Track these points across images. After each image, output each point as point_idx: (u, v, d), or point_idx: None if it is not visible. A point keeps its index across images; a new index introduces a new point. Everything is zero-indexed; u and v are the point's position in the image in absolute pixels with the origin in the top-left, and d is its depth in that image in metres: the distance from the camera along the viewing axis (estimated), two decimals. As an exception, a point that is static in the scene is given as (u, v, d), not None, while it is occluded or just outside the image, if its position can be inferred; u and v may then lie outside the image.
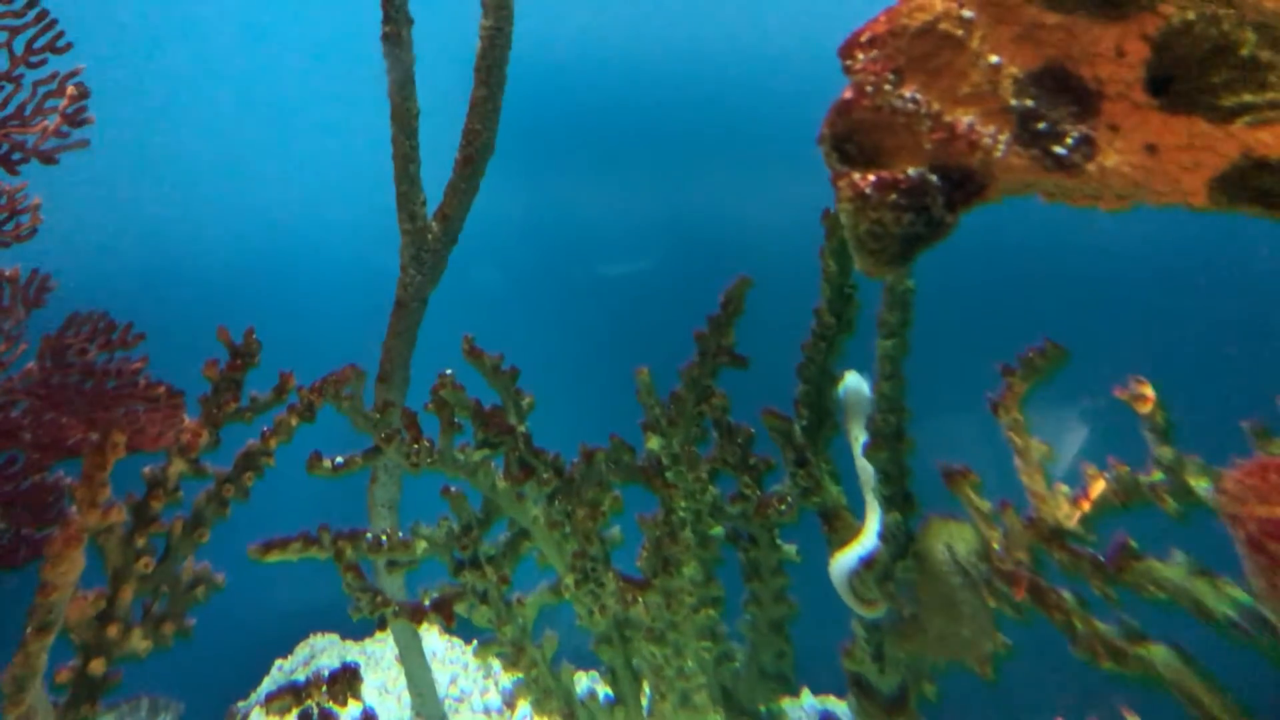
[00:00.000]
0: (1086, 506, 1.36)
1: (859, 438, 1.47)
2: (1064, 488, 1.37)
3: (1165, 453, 1.29)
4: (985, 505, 1.40)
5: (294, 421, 1.76)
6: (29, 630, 1.30)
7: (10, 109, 1.42)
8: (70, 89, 1.43)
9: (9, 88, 1.42)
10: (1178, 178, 0.76)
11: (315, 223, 2.67)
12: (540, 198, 2.43)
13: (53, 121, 1.43)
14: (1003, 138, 0.79)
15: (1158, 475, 1.30)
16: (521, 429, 1.55)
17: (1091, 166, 0.77)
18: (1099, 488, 1.37)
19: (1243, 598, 1.12)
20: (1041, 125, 0.77)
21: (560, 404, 1.79)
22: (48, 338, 1.49)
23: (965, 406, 1.46)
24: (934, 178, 0.80)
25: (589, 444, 1.60)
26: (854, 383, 1.51)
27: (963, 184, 0.80)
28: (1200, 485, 1.26)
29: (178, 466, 1.69)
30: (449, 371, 1.48)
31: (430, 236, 1.63)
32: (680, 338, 1.61)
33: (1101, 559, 1.26)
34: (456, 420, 1.49)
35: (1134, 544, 1.24)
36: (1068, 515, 1.36)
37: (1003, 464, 1.37)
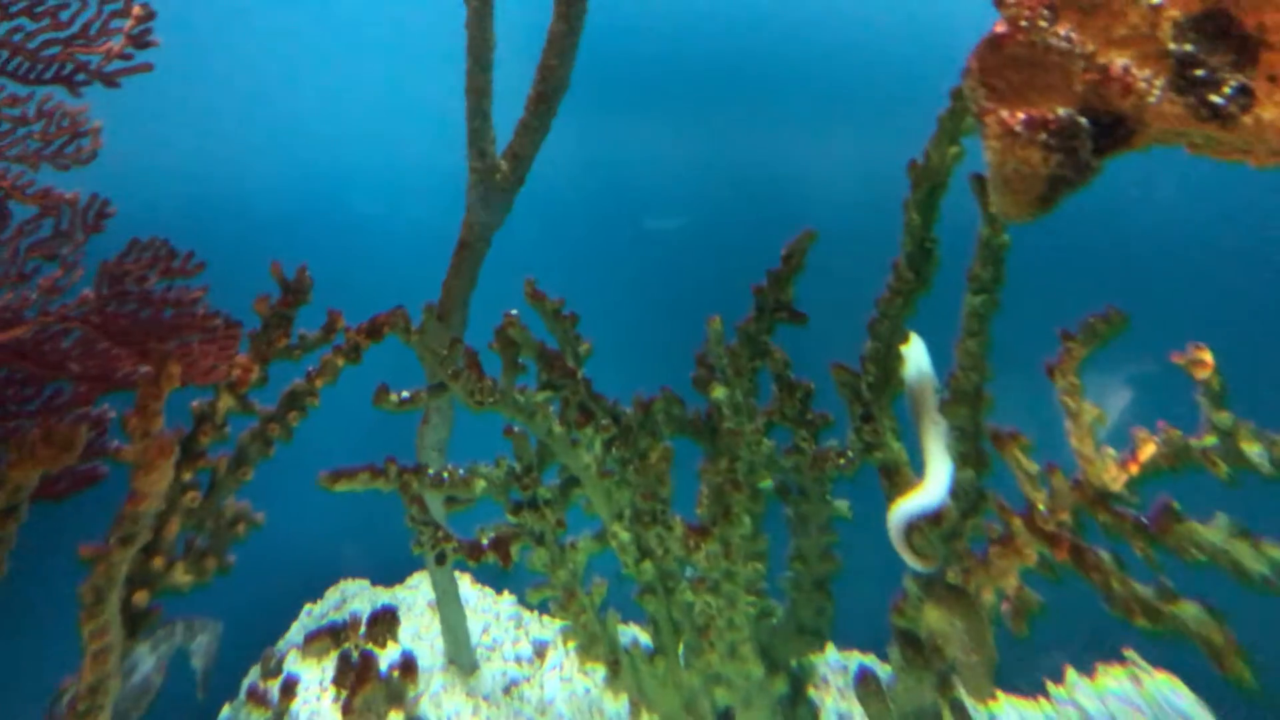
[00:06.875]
0: (1134, 469, 1.36)
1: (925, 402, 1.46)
2: (1111, 450, 1.37)
3: (1223, 418, 1.29)
4: (1033, 468, 1.40)
5: (339, 362, 1.75)
6: (112, 540, 1.29)
7: (76, 27, 1.39)
8: (136, 9, 1.39)
9: (75, 5, 1.38)
10: (1332, 134, 0.74)
11: (376, 159, 2.63)
12: (589, 144, 2.39)
13: (117, 43, 1.40)
14: (1158, 83, 0.77)
15: (1210, 439, 1.29)
16: (581, 374, 1.53)
17: (1248, 119, 0.75)
18: (1148, 451, 1.36)
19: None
20: (1200, 72, 0.76)
21: (603, 357, 1.78)
22: (106, 264, 1.46)
23: (1010, 367, 1.46)
24: (1084, 120, 0.79)
25: (643, 395, 1.59)
26: (917, 359, 1.49)
27: (1112, 129, 0.79)
28: (1253, 450, 1.26)
29: (226, 402, 1.67)
30: (514, 312, 1.46)
31: (499, 176, 1.60)
32: (725, 294, 1.59)
33: (1144, 521, 1.26)
34: (519, 361, 1.48)
35: (1177, 506, 1.24)
36: (1114, 478, 1.36)
37: (1040, 421, 1.37)
